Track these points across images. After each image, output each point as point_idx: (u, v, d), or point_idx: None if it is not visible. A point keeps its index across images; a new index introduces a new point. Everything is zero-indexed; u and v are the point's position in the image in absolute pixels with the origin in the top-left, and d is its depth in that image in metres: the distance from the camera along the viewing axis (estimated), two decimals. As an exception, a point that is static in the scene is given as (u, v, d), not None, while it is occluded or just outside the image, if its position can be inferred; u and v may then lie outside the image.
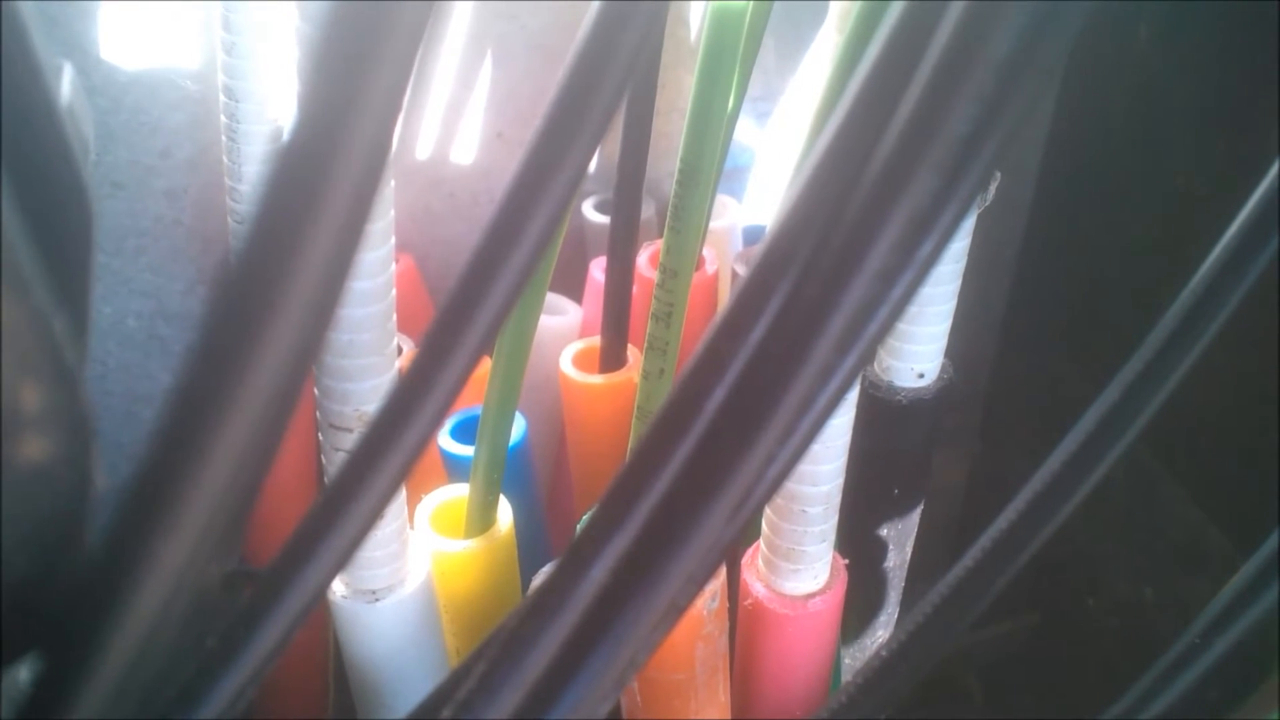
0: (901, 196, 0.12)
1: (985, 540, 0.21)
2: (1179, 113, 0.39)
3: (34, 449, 0.08)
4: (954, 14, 0.11)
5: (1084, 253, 0.45)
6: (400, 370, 0.27)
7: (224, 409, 0.08)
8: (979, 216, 0.24)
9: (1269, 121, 0.35)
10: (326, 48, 0.10)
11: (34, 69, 0.11)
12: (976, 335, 0.47)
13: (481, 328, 0.13)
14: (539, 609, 0.12)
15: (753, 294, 0.12)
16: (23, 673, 0.10)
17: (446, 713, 0.13)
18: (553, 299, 0.35)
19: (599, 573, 0.12)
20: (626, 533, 0.12)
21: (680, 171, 0.23)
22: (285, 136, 0.09)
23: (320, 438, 0.24)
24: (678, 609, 0.13)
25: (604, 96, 0.12)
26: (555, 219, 0.13)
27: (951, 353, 0.27)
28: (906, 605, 0.31)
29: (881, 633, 0.30)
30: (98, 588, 0.09)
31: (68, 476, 0.09)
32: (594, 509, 0.13)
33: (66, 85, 0.14)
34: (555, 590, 0.12)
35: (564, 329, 0.34)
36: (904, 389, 0.26)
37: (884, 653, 0.18)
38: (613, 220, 0.30)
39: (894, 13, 0.12)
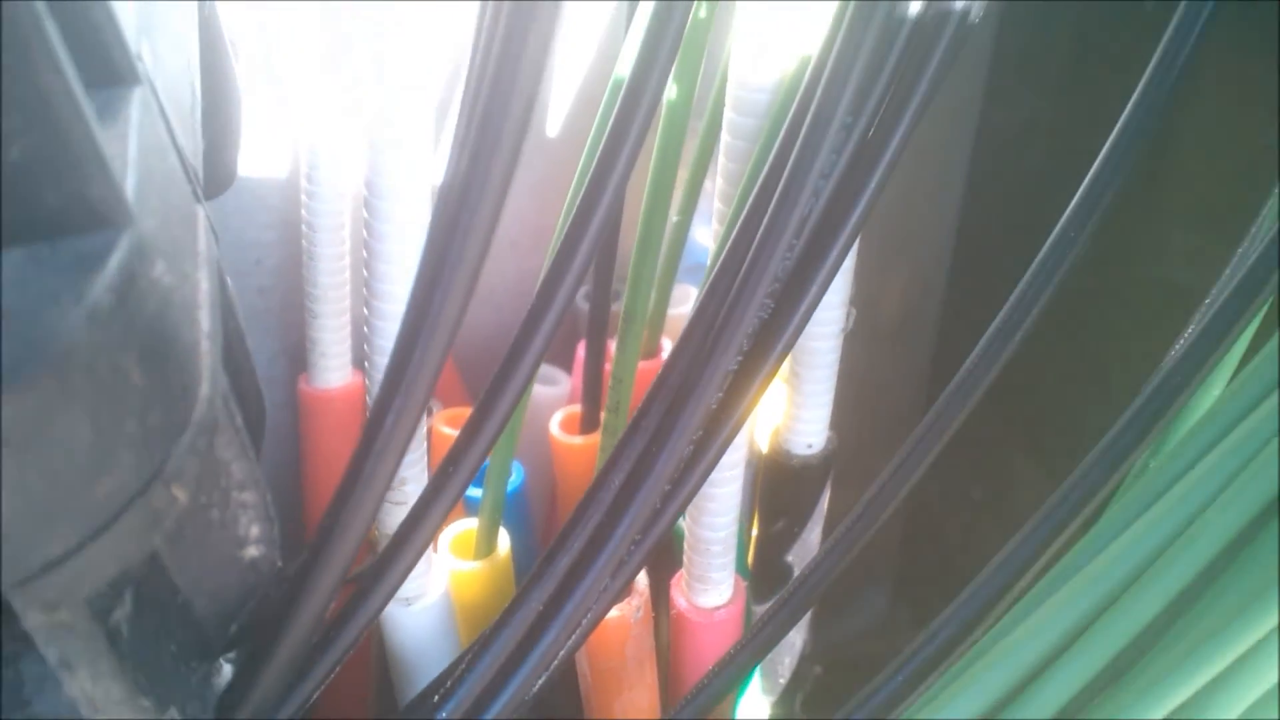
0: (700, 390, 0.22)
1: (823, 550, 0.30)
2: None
3: (257, 553, 0.18)
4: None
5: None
6: (430, 429, 0.36)
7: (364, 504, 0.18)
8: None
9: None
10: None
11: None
12: (904, 397, 0.50)
13: (496, 422, 0.22)
14: (484, 638, 0.22)
15: (617, 454, 0.22)
16: (224, 666, 0.20)
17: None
18: (548, 370, 0.43)
19: (535, 604, 0.22)
20: (546, 586, 0.22)
21: (623, 316, 0.32)
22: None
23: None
24: (584, 632, 0.22)
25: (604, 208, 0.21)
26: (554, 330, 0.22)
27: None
28: (815, 614, 0.40)
29: (793, 636, 0.39)
30: (281, 612, 0.18)
31: (267, 559, 0.18)
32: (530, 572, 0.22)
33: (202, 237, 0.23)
34: (501, 625, 0.22)
35: (556, 397, 0.43)
36: (797, 455, 0.35)
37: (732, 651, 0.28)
38: (589, 315, 0.39)
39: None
